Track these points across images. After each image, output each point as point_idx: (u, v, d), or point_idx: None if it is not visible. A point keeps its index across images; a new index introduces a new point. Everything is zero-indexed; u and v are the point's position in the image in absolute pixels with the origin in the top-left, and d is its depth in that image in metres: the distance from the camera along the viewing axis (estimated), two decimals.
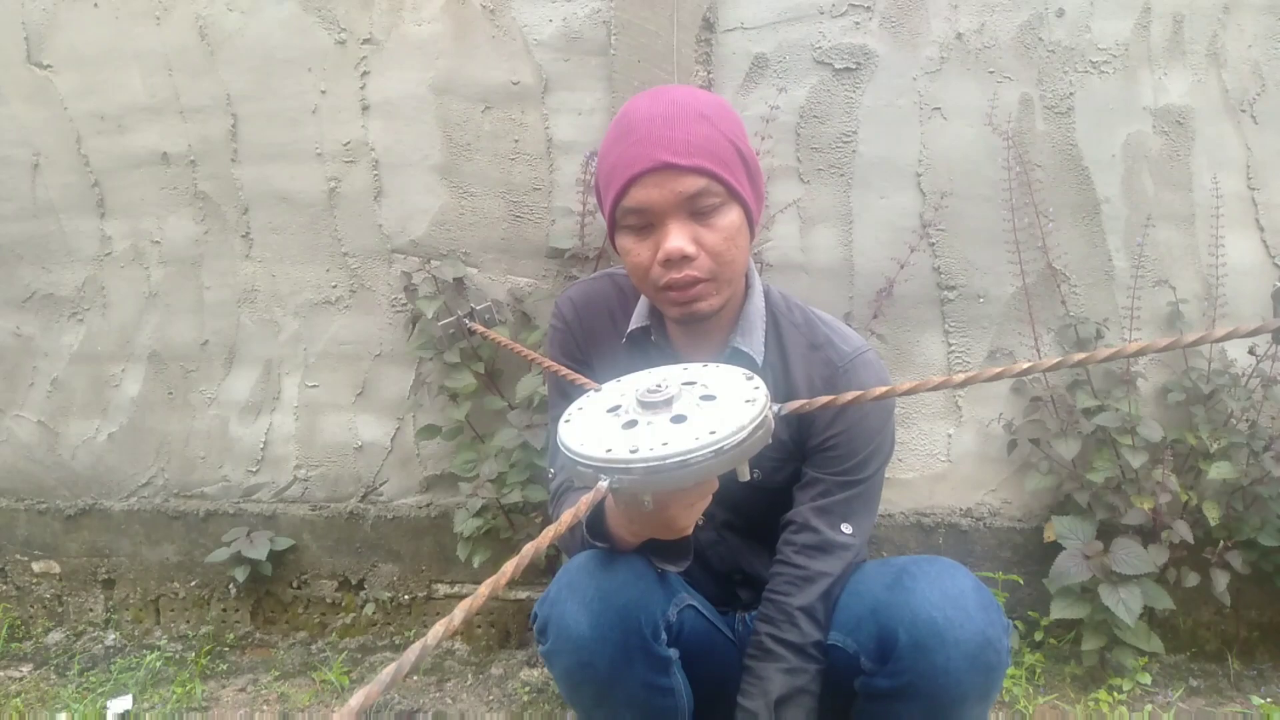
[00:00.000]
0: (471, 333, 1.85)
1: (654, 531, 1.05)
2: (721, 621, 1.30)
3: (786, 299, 1.32)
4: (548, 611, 1.11)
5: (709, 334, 1.27)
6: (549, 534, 0.74)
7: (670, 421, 0.88)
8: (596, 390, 1.03)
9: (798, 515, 1.23)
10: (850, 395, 0.90)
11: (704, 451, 0.83)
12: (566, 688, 1.13)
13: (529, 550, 0.70)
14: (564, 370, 1.23)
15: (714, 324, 1.25)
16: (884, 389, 0.90)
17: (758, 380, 0.94)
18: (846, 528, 1.21)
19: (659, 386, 0.92)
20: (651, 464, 0.83)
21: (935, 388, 0.84)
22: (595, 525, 1.11)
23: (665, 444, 0.84)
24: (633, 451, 0.84)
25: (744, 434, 0.85)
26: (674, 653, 1.14)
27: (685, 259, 1.11)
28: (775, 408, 0.91)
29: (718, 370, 0.99)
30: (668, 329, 1.29)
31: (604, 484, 0.84)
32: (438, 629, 0.63)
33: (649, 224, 1.12)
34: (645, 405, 0.91)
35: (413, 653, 0.61)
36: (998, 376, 0.84)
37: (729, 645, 1.29)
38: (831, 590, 1.19)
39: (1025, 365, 0.83)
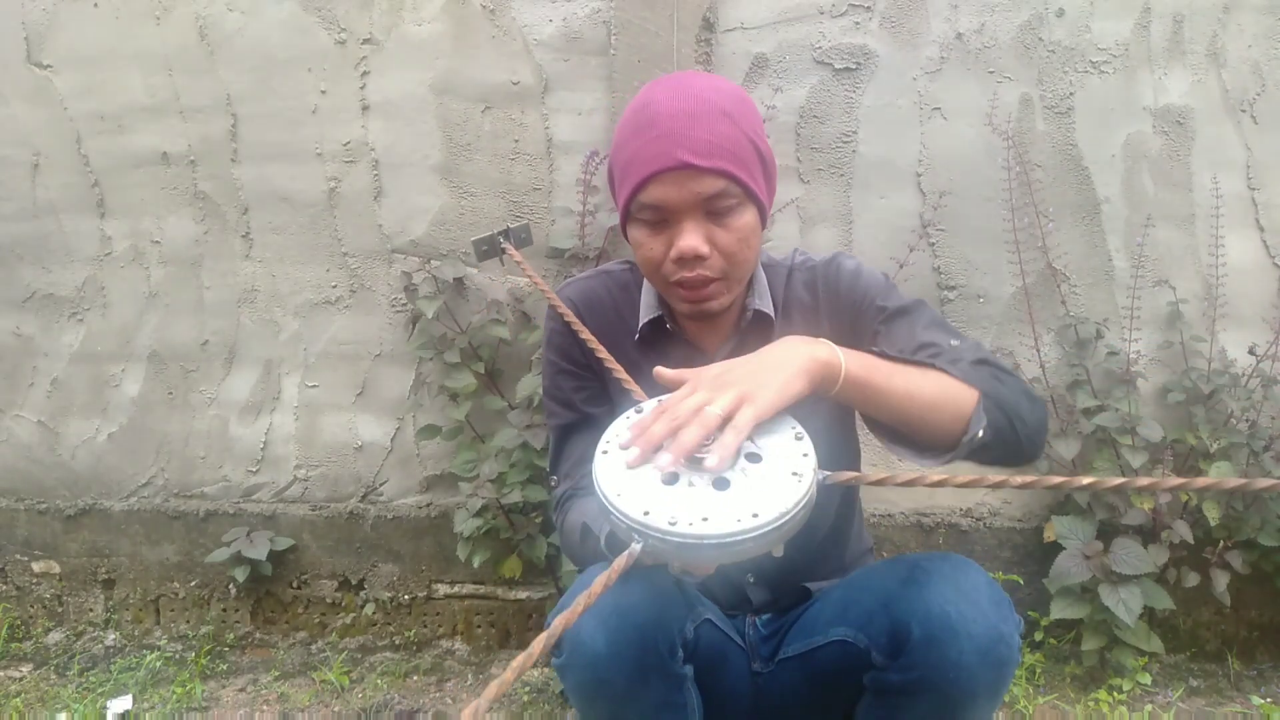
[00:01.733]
0: (503, 251, 1.76)
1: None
2: (733, 629, 1.29)
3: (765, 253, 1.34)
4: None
5: (723, 314, 1.26)
6: (580, 604, 0.73)
7: (712, 485, 0.85)
8: (637, 412, 0.98)
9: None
10: (907, 475, 0.87)
11: (745, 537, 0.81)
12: (579, 701, 1.12)
13: (559, 625, 0.70)
14: (621, 372, 1.16)
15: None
16: (941, 476, 0.86)
17: (806, 443, 0.91)
18: (954, 340, 1.17)
19: (705, 439, 0.88)
20: (689, 541, 0.81)
21: (1022, 485, 0.78)
22: (616, 543, 1.11)
23: (705, 519, 0.81)
24: (671, 523, 0.81)
25: (786, 519, 0.83)
26: (689, 669, 1.13)
27: (698, 258, 1.11)
28: (821, 475, 0.88)
29: None
30: (678, 317, 1.29)
31: (636, 547, 0.82)
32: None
33: (664, 220, 1.12)
34: (688, 459, 0.88)
35: None
36: (1088, 487, 0.78)
37: (741, 654, 1.28)
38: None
39: (1146, 481, 0.74)
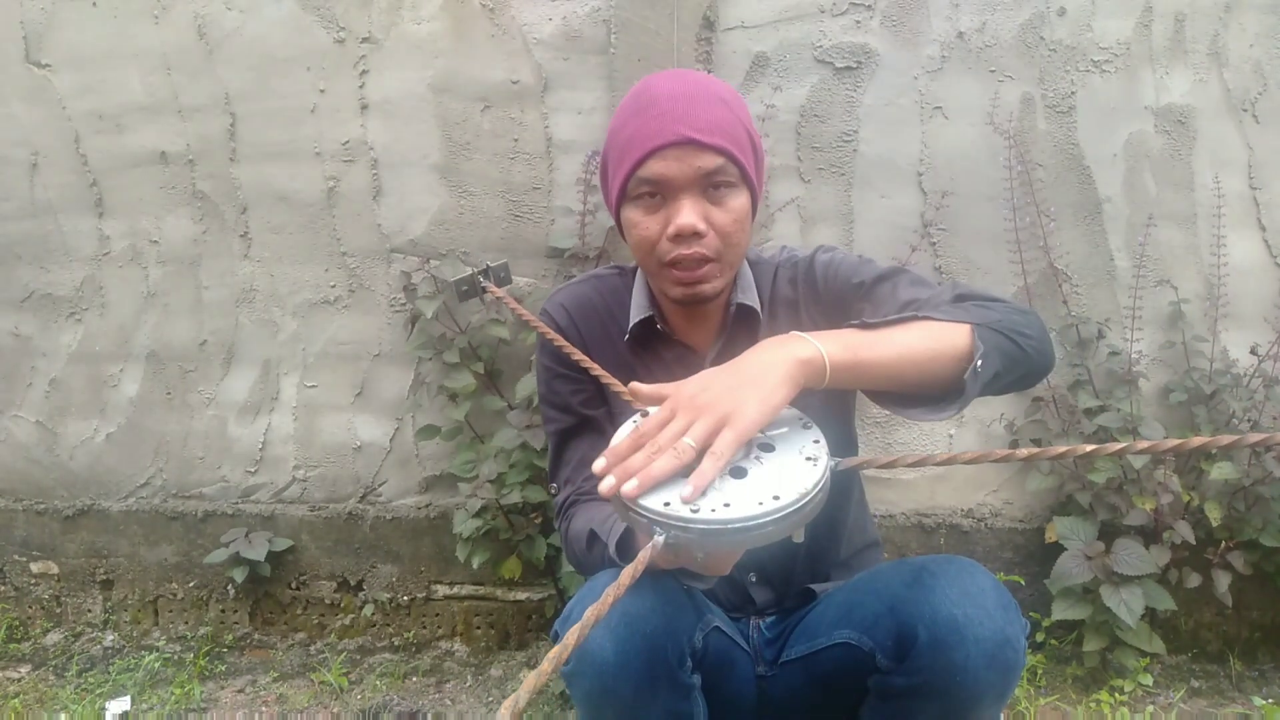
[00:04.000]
0: (484, 291, 1.71)
1: (691, 569, 1.04)
2: (737, 633, 1.29)
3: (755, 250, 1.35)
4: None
5: (710, 309, 1.27)
6: (610, 595, 0.73)
7: (730, 475, 0.87)
8: (644, 415, 0.98)
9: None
10: (914, 456, 0.88)
11: (768, 519, 0.82)
12: (586, 709, 1.11)
13: (590, 616, 0.70)
14: (618, 385, 1.14)
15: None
16: (947, 455, 0.87)
17: (815, 429, 0.93)
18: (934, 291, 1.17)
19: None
20: (713, 527, 0.82)
21: (1000, 459, 0.83)
22: (626, 548, 1.10)
23: (727, 505, 0.83)
24: (694, 511, 0.82)
25: (807, 500, 0.84)
26: (697, 679, 1.12)
27: (696, 235, 1.12)
28: (833, 462, 0.90)
29: None
30: (668, 316, 1.28)
31: (660, 539, 0.82)
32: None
33: (661, 198, 1.13)
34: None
35: None
36: (1063, 455, 0.80)
37: (745, 658, 1.27)
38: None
39: (1119, 445, 0.79)
